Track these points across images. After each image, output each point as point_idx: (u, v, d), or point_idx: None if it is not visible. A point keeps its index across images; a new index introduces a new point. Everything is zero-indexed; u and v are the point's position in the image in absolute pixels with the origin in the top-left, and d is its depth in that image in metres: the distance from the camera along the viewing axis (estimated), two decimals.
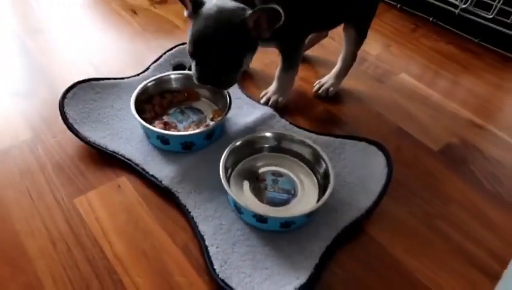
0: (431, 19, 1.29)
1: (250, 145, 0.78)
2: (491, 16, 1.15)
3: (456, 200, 0.79)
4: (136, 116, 0.78)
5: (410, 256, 0.70)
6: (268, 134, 0.79)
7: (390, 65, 1.11)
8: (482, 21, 1.17)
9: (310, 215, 0.69)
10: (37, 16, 1.16)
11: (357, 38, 0.92)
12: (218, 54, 0.71)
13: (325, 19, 0.87)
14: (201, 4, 0.72)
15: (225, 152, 0.73)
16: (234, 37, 0.70)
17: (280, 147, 0.79)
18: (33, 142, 0.81)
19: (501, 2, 1.12)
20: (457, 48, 1.21)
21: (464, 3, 1.18)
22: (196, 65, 0.74)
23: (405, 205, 0.77)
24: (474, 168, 0.86)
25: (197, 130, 0.79)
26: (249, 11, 0.69)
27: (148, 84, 0.86)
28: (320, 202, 0.68)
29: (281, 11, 0.66)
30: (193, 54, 0.73)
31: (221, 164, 0.72)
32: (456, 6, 1.20)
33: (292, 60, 0.88)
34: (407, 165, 0.85)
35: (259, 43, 0.81)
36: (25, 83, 0.95)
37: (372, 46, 1.17)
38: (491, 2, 1.14)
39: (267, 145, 0.79)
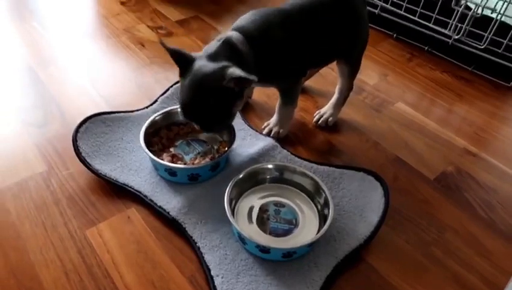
0: (426, 48, 1.34)
1: (253, 177, 0.82)
2: (483, 46, 1.20)
3: (452, 228, 0.83)
4: (146, 150, 0.82)
5: (407, 283, 0.73)
6: (270, 165, 0.83)
7: (387, 94, 1.16)
8: (475, 51, 1.22)
9: (311, 245, 0.73)
10: (49, 48, 1.22)
11: (349, 72, 0.97)
12: (203, 118, 0.77)
13: (316, 59, 0.91)
14: (189, 65, 0.76)
15: (229, 185, 0.77)
16: (215, 100, 0.75)
17: (282, 178, 0.83)
18: (48, 175, 0.85)
19: (492, 33, 1.17)
20: (452, 77, 1.25)
21: (457, 34, 1.23)
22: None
23: (402, 232, 0.81)
24: (468, 196, 0.89)
25: (203, 163, 0.83)
26: (229, 70, 0.73)
27: (156, 118, 0.91)
28: (321, 232, 0.72)
29: (249, 77, 0.70)
30: (183, 117, 0.79)
31: (225, 196, 0.75)
32: (449, 37, 1.25)
33: (290, 96, 0.92)
34: (404, 194, 0.88)
35: (257, 84, 0.86)
36: (38, 114, 0.99)
37: (370, 76, 1.22)
38: (483, 33, 1.19)
39: (269, 177, 0.83)
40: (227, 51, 0.76)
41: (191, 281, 0.70)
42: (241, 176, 0.79)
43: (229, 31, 0.81)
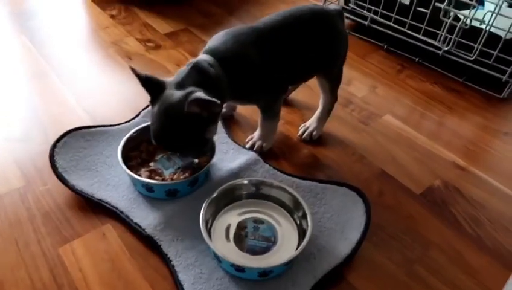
0: (417, 59, 1.33)
1: (229, 194, 0.80)
2: (473, 58, 1.19)
3: (436, 245, 0.80)
4: (123, 165, 0.81)
5: None
6: (245, 181, 0.82)
7: (375, 107, 1.14)
8: (465, 62, 1.21)
9: (288, 264, 0.71)
10: (36, 61, 1.22)
11: (330, 87, 0.96)
12: (175, 145, 0.77)
13: (294, 76, 0.90)
14: (159, 92, 0.75)
15: (204, 203, 0.76)
16: (184, 129, 0.74)
17: (260, 193, 0.82)
18: (24, 191, 0.84)
19: (481, 44, 1.16)
20: (443, 88, 1.24)
21: (446, 46, 1.22)
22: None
23: (385, 250, 0.79)
24: (455, 211, 0.87)
25: (181, 178, 0.82)
26: (192, 95, 0.71)
27: (136, 132, 0.90)
28: (297, 251, 0.70)
29: (210, 99, 0.69)
30: (156, 144, 0.78)
31: (201, 215, 0.74)
32: (439, 48, 1.24)
33: (271, 113, 0.91)
34: (388, 209, 0.86)
35: (236, 102, 0.85)
36: (20, 129, 0.98)
37: (358, 88, 1.21)
38: (473, 44, 1.18)
39: (245, 192, 0.82)
40: (196, 76, 0.75)
41: None
42: (215, 194, 0.78)
43: (201, 53, 0.81)
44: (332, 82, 0.96)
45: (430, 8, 1.20)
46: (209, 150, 0.85)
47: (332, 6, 0.93)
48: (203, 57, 0.79)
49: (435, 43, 1.24)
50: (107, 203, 0.80)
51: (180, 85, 0.75)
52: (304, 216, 0.76)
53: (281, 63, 0.84)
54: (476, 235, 0.83)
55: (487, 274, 0.76)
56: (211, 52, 0.79)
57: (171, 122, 0.74)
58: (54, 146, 0.87)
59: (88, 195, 0.81)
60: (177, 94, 0.74)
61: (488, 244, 0.81)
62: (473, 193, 0.91)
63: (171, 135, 0.75)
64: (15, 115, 1.03)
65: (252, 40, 0.81)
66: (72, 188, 0.81)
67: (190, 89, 0.73)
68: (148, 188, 0.80)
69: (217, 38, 0.82)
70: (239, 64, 0.79)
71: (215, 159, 0.89)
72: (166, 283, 0.71)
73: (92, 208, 0.81)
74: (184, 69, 0.77)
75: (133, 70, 0.75)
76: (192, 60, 0.78)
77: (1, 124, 0.99)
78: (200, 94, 0.71)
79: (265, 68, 0.82)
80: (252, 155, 0.92)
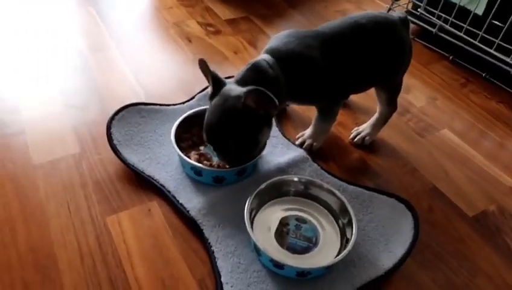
0: (484, 74, 1.26)
1: (277, 188, 0.80)
2: None
3: (485, 273, 0.76)
4: (174, 145, 0.82)
5: None
6: (296, 178, 0.80)
7: (433, 119, 1.09)
8: None
9: (328, 268, 0.69)
10: (100, 34, 1.26)
11: (388, 98, 0.93)
12: (226, 143, 0.75)
13: (354, 85, 0.87)
14: (221, 86, 0.76)
15: (252, 194, 0.75)
16: (239, 125, 0.73)
17: (307, 193, 0.80)
18: (79, 157, 0.87)
19: None
20: (509, 109, 1.17)
21: None
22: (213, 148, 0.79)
23: (429, 270, 0.75)
24: (509, 241, 0.82)
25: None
26: (253, 87, 0.71)
27: (190, 114, 0.90)
28: (339, 257, 0.68)
29: (264, 91, 0.68)
30: (207, 142, 0.78)
31: (246, 204, 0.73)
32: (510, 65, 1.17)
33: (328, 115, 0.90)
34: (437, 228, 0.83)
35: (293, 102, 0.83)
36: (79, 97, 1.02)
37: (417, 98, 1.16)
38: None
39: (293, 189, 0.81)
40: (254, 75, 0.75)
41: (200, 285, 0.69)
42: (263, 186, 0.77)
43: (262, 52, 0.80)
44: (390, 92, 0.92)
45: (508, 23, 1.13)
46: (257, 155, 0.82)
47: (398, 13, 0.89)
48: (263, 56, 0.78)
49: (507, 59, 1.17)
50: (155, 180, 0.82)
51: (239, 83, 0.76)
52: (350, 223, 0.74)
53: (342, 69, 0.81)
54: None
55: None
56: (272, 52, 0.78)
57: (226, 114, 0.74)
58: (112, 118, 0.89)
59: (138, 170, 0.83)
60: (236, 90, 0.74)
61: None
62: None
63: (223, 128, 0.74)
64: (76, 84, 1.07)
65: (316, 44, 0.79)
66: (124, 161, 0.83)
67: (250, 87, 0.73)
68: (197, 171, 0.81)
69: (279, 39, 0.81)
70: (300, 66, 0.78)
71: (264, 152, 0.89)
72: (204, 267, 0.71)
73: (140, 183, 0.83)
74: (243, 69, 0.78)
75: (202, 63, 0.76)
76: (252, 60, 0.78)
77: (62, 91, 1.03)
78: (258, 89, 0.71)
79: (327, 73, 0.80)
80: (300, 152, 0.91)
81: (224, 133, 0.75)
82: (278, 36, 0.83)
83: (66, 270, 0.68)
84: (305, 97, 0.84)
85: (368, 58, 0.84)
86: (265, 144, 0.83)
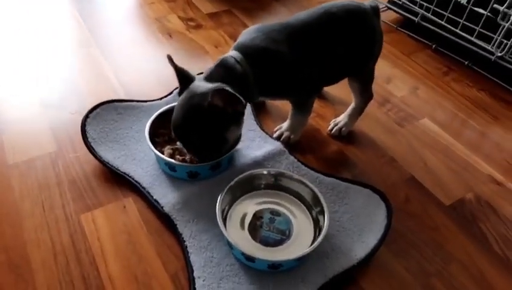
0: (466, 62, 1.25)
1: (248, 182, 0.80)
2: None
3: (459, 260, 0.76)
4: (148, 142, 0.82)
5: None
6: (265, 171, 0.81)
7: (414, 109, 1.09)
8: None
9: (300, 260, 0.70)
10: (82, 33, 1.25)
11: (361, 88, 0.93)
12: (191, 140, 0.76)
13: (326, 77, 0.87)
14: (189, 82, 0.76)
15: (222, 191, 0.75)
16: (203, 122, 0.73)
17: (279, 185, 0.81)
18: (56, 156, 0.87)
19: None
20: (490, 96, 1.16)
21: (501, 51, 1.14)
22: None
23: (403, 259, 0.76)
24: (484, 228, 0.82)
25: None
26: (219, 86, 0.71)
27: (166, 109, 0.90)
28: (310, 249, 0.68)
29: (230, 91, 0.69)
30: (174, 137, 0.78)
31: (218, 202, 0.73)
32: (492, 53, 1.16)
33: (302, 108, 0.90)
34: (413, 218, 0.83)
35: (266, 98, 0.83)
36: (57, 96, 1.02)
37: (398, 87, 1.16)
38: None
39: (265, 182, 0.81)
40: (222, 72, 0.75)
41: (173, 280, 0.69)
42: (233, 183, 0.77)
43: (231, 48, 0.80)
44: (363, 82, 0.92)
45: (488, 9, 1.12)
46: (225, 153, 0.81)
47: (369, 1, 0.88)
48: (231, 53, 0.78)
49: (488, 47, 1.16)
50: (130, 177, 0.82)
51: (208, 80, 0.76)
52: (322, 212, 0.74)
53: (312, 61, 0.81)
54: (504, 256, 0.78)
55: None
56: (240, 48, 0.78)
57: (192, 113, 0.74)
58: (86, 116, 0.89)
59: (113, 167, 0.83)
60: (203, 86, 0.74)
61: None
62: (507, 210, 0.86)
63: (190, 125, 0.75)
64: (54, 82, 1.06)
65: (284, 37, 0.78)
66: (99, 158, 0.83)
67: (217, 84, 0.73)
68: (171, 167, 0.81)
69: (247, 34, 0.81)
70: (267, 61, 0.78)
71: (240, 146, 0.89)
72: (177, 261, 0.72)
73: (116, 180, 0.83)
74: (212, 65, 0.77)
75: (169, 58, 0.77)
76: (221, 56, 0.78)
77: (40, 90, 1.03)
78: (226, 87, 0.71)
79: (295, 66, 0.79)
80: (277, 145, 0.91)
81: (189, 129, 0.75)
82: (246, 31, 0.83)
83: (39, 269, 0.69)
84: (275, 92, 0.84)
85: (338, 47, 0.83)
86: (238, 139, 0.83)
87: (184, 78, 0.77)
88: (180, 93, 0.77)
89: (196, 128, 0.74)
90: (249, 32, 0.81)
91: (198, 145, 0.77)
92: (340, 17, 0.82)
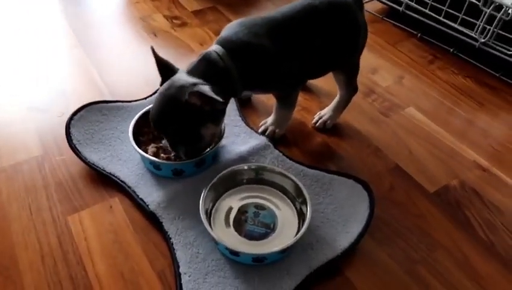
0: (451, 50, 1.25)
1: (231, 179, 0.80)
2: (511, 52, 1.11)
3: (444, 247, 0.77)
4: (132, 142, 0.83)
5: None
6: (246, 166, 0.81)
7: (399, 98, 1.10)
8: (503, 56, 1.13)
9: (283, 252, 0.70)
10: (67, 34, 1.25)
11: (346, 80, 0.93)
12: (167, 131, 0.77)
13: (310, 70, 0.87)
14: (169, 74, 0.77)
15: (204, 189, 0.76)
16: (178, 116, 0.74)
17: (261, 179, 0.81)
18: (42, 159, 0.88)
19: None
20: (476, 83, 1.17)
21: (484, 38, 1.14)
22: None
23: (388, 247, 0.77)
24: (469, 214, 0.83)
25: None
26: (195, 87, 0.71)
27: (150, 109, 0.91)
28: (292, 241, 0.69)
29: (212, 96, 0.69)
30: (153, 127, 0.79)
31: (201, 200, 0.74)
32: (476, 40, 1.17)
33: (286, 102, 0.90)
34: (398, 206, 0.84)
35: (251, 90, 0.85)
36: (43, 99, 1.02)
37: (384, 78, 1.16)
38: None
39: (247, 177, 0.81)
40: (204, 67, 0.76)
41: (160, 277, 0.70)
42: (215, 180, 0.78)
43: (214, 42, 0.80)
44: (347, 75, 0.92)
45: None
46: (202, 150, 0.82)
47: None
48: (213, 47, 0.78)
49: (472, 34, 1.16)
50: (116, 177, 0.83)
51: (189, 74, 0.76)
52: (305, 203, 0.75)
53: (295, 55, 0.81)
54: (488, 241, 0.79)
55: (493, 282, 0.73)
56: (222, 43, 0.78)
57: (169, 106, 0.74)
58: (70, 118, 0.90)
59: (99, 168, 0.83)
60: (183, 81, 0.74)
61: (499, 251, 0.77)
62: (492, 196, 0.87)
63: (167, 119, 0.75)
64: (40, 86, 1.06)
65: (266, 31, 0.79)
66: (84, 160, 0.84)
67: (196, 80, 0.73)
68: (156, 165, 0.82)
69: (229, 29, 0.81)
70: (250, 56, 0.78)
71: (225, 142, 0.90)
72: (164, 259, 0.72)
73: (102, 181, 0.84)
74: (195, 59, 0.78)
75: (152, 50, 0.77)
76: (204, 51, 0.78)
77: (26, 94, 1.03)
78: (204, 88, 0.71)
79: (278, 60, 0.80)
80: (262, 140, 0.92)
81: (165, 121, 0.76)
82: (229, 26, 0.83)
83: (26, 271, 0.70)
84: (258, 86, 0.84)
85: (321, 40, 0.83)
86: (219, 135, 0.84)
87: (165, 69, 0.77)
88: (161, 84, 0.78)
89: (172, 122, 0.75)
90: (231, 27, 0.81)
91: (174, 138, 0.78)
92: (322, 10, 0.82)
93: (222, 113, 0.79)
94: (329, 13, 0.83)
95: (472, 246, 0.78)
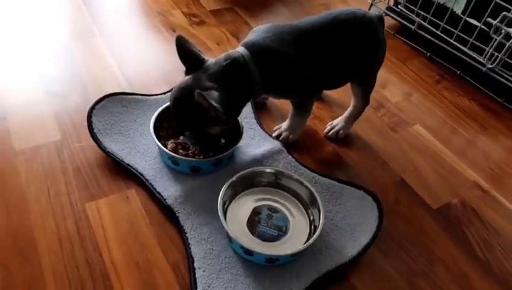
0: (459, 72, 1.30)
1: (249, 179, 0.83)
2: None
3: (443, 262, 0.81)
4: (153, 135, 0.85)
5: None
6: (268, 170, 0.84)
7: (407, 115, 1.14)
8: (508, 83, 1.18)
9: (295, 255, 0.74)
10: (85, 22, 1.26)
11: (363, 93, 0.97)
12: (180, 119, 0.82)
13: (330, 80, 0.91)
14: (195, 66, 0.80)
15: (224, 185, 0.79)
16: (190, 111, 0.78)
17: (278, 183, 0.84)
18: (61, 144, 0.89)
19: None
20: (479, 106, 1.21)
21: (491, 63, 1.19)
22: None
23: (391, 258, 0.80)
24: (468, 232, 0.88)
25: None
26: (208, 91, 0.75)
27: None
28: (306, 245, 0.72)
29: (209, 102, 0.72)
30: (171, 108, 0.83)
31: (220, 196, 0.77)
32: (483, 65, 1.21)
33: (302, 110, 0.93)
34: (402, 219, 0.87)
35: (270, 94, 0.88)
36: (61, 85, 1.04)
37: (393, 93, 1.20)
38: None
39: (265, 180, 0.84)
40: (228, 72, 0.78)
41: (173, 269, 0.73)
42: (234, 178, 0.81)
43: (240, 44, 0.83)
44: (364, 87, 0.96)
45: (482, 22, 1.17)
46: (215, 146, 0.87)
47: (374, 11, 0.92)
48: (240, 50, 0.81)
49: (480, 58, 1.21)
50: (134, 169, 0.85)
51: (213, 76, 0.78)
52: (318, 211, 0.78)
53: (318, 64, 0.84)
54: (485, 260, 0.83)
55: None
56: (249, 46, 0.81)
57: (183, 98, 0.79)
58: (92, 107, 0.91)
59: (118, 158, 0.85)
60: (201, 81, 0.77)
61: (495, 271, 0.82)
62: (490, 216, 0.91)
63: (181, 106, 0.80)
64: (58, 71, 1.08)
65: (292, 39, 0.82)
66: (104, 149, 0.86)
67: (211, 84, 0.77)
68: (174, 161, 0.84)
69: (257, 33, 0.84)
70: (275, 62, 0.81)
71: (241, 143, 0.92)
72: (178, 252, 0.75)
73: (119, 171, 0.86)
74: (222, 60, 0.79)
75: (179, 38, 0.80)
76: (231, 53, 0.80)
77: (44, 78, 1.05)
78: (212, 94, 0.74)
79: (301, 67, 0.83)
80: (276, 144, 0.95)
81: (181, 111, 0.81)
82: (256, 30, 0.86)
83: (44, 253, 0.71)
84: (278, 91, 0.87)
85: (343, 53, 0.87)
86: (237, 137, 0.88)
87: (190, 59, 0.80)
88: (186, 72, 0.82)
89: (185, 114, 0.80)
90: (259, 31, 0.84)
91: (184, 125, 0.83)
92: (348, 23, 0.86)
93: (228, 120, 0.81)
94: (354, 28, 0.86)
95: (469, 264, 0.82)
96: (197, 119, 0.79)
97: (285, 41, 0.82)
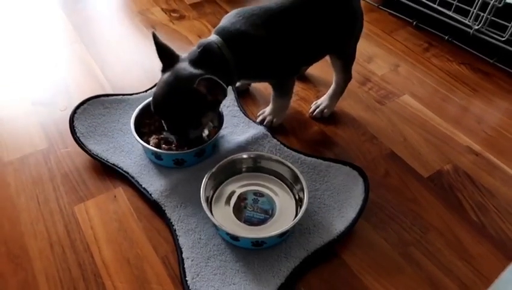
0: (446, 37, 1.27)
1: (230, 167, 0.83)
2: (505, 38, 1.12)
3: (436, 229, 0.80)
4: (134, 134, 0.85)
5: (378, 282, 0.72)
6: (245, 155, 0.84)
7: (394, 86, 1.12)
8: (497, 42, 1.15)
9: (281, 236, 0.73)
10: (67, 31, 1.27)
11: (343, 66, 0.95)
12: (170, 118, 0.80)
13: (306, 57, 0.90)
14: (172, 62, 0.79)
15: (204, 178, 0.79)
16: (184, 102, 0.77)
17: (259, 167, 0.84)
18: (47, 152, 0.91)
19: None
20: (470, 69, 1.19)
21: (477, 24, 1.16)
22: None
23: (382, 230, 0.79)
24: (461, 197, 0.86)
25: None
26: (207, 75, 0.74)
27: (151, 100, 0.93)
28: (290, 225, 0.72)
29: (217, 80, 0.72)
30: (154, 111, 0.81)
31: (202, 188, 0.77)
32: (470, 27, 1.18)
33: (282, 90, 0.92)
34: (392, 191, 0.86)
35: (247, 80, 0.86)
36: (47, 94, 1.05)
37: (379, 66, 1.18)
38: (506, 24, 1.11)
39: (246, 166, 0.84)
40: (207, 58, 0.78)
41: (163, 262, 0.73)
42: (214, 169, 0.80)
43: (212, 32, 0.82)
44: (344, 61, 0.94)
45: None
46: (197, 139, 0.86)
47: None
48: (212, 38, 0.80)
49: (466, 20, 1.18)
50: (119, 168, 0.85)
51: (192, 63, 0.78)
52: (302, 189, 0.78)
53: (292, 43, 0.83)
54: (480, 223, 0.82)
55: (485, 262, 0.75)
56: (220, 32, 0.81)
57: (176, 92, 0.77)
58: (74, 112, 0.92)
59: (103, 159, 0.86)
60: (191, 70, 0.77)
61: (491, 233, 0.80)
62: (484, 179, 0.89)
63: (170, 103, 0.78)
64: (43, 81, 1.09)
65: (262, 21, 0.81)
66: (88, 152, 0.87)
67: (202, 71, 0.76)
68: (157, 156, 0.85)
69: (228, 19, 0.83)
70: (247, 45, 0.80)
71: (225, 132, 0.92)
72: (167, 245, 0.76)
73: (106, 171, 0.87)
74: (195, 49, 0.80)
75: (154, 36, 0.79)
76: (203, 41, 0.80)
77: (30, 89, 1.06)
78: (213, 77, 0.74)
79: (276, 49, 0.82)
80: (260, 129, 0.94)
81: (169, 108, 0.79)
82: (227, 16, 0.85)
83: (36, 258, 0.73)
84: (253, 75, 0.87)
85: (318, 28, 0.85)
86: (218, 125, 0.87)
87: (167, 55, 0.80)
88: (163, 71, 0.80)
89: (176, 110, 0.78)
90: (230, 17, 0.83)
91: (174, 124, 0.81)
92: None
93: (220, 103, 0.82)
94: (326, 2, 0.85)
95: (464, 228, 0.81)
96: (193, 110, 0.78)
97: (256, 23, 0.81)
